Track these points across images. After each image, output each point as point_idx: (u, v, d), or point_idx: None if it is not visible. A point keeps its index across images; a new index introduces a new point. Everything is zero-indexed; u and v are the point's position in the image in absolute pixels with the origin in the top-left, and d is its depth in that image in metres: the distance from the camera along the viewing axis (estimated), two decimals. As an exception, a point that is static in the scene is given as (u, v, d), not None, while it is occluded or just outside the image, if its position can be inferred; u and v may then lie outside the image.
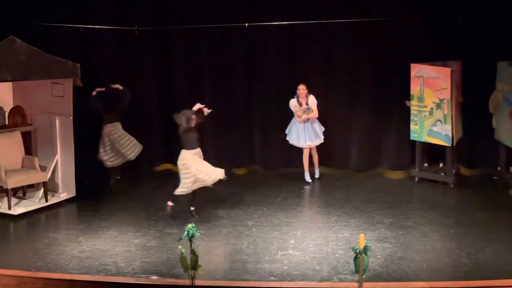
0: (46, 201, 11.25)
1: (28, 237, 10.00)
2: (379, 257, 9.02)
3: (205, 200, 11.45)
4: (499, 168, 12.35)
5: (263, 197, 11.68)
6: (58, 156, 11.53)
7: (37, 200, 11.30)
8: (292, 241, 9.71)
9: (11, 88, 11.93)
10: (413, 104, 12.03)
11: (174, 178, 13.03)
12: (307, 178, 12.44)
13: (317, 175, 12.61)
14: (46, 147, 11.68)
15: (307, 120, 12.14)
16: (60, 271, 8.70)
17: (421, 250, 9.32)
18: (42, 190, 11.30)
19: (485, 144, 12.45)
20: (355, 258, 7.53)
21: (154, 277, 8.53)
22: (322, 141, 12.41)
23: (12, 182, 10.98)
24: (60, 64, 10.89)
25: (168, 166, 13.33)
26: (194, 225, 7.84)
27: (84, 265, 8.90)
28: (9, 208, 10.92)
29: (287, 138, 12.46)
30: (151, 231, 10.14)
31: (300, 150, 12.50)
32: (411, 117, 12.09)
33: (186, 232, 7.79)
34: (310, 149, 12.40)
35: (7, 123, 11.83)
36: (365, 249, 7.48)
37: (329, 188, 12.34)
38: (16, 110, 11.85)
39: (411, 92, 12.01)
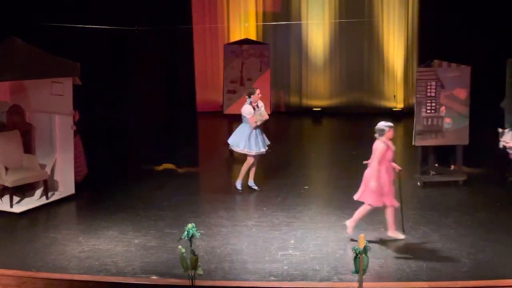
0: (47, 198, 11.30)
1: (28, 237, 10.00)
2: (379, 257, 9.01)
3: (205, 200, 11.47)
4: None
5: (263, 197, 11.67)
6: (57, 154, 11.54)
7: (37, 198, 11.33)
8: (292, 241, 9.71)
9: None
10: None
11: (175, 177, 13.10)
12: (239, 186, 11.95)
13: (255, 186, 11.99)
14: (44, 145, 11.69)
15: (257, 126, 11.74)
16: (60, 271, 8.70)
17: (421, 250, 9.32)
18: (41, 188, 11.34)
19: (486, 143, 12.46)
20: (355, 258, 7.54)
21: (154, 277, 8.53)
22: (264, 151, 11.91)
23: (13, 181, 11.00)
24: (60, 63, 10.91)
25: (168, 165, 13.35)
26: (194, 225, 7.85)
27: (84, 265, 8.90)
28: (11, 206, 10.95)
29: (241, 147, 11.82)
30: (151, 231, 10.13)
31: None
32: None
33: (186, 232, 7.79)
34: (256, 157, 11.86)
35: (5, 122, 11.84)
36: (365, 249, 7.48)
37: (329, 188, 12.34)
38: (15, 109, 11.85)
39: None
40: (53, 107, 11.46)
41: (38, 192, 11.41)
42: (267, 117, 11.89)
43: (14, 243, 9.81)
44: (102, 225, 10.35)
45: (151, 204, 11.41)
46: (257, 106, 11.76)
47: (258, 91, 11.82)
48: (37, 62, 10.65)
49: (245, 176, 12.00)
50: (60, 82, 11.28)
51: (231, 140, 11.96)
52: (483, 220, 10.50)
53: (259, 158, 11.99)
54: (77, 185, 11.71)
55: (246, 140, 11.76)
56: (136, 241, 9.74)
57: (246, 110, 11.73)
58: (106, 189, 12.20)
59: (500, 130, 10.70)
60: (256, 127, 11.72)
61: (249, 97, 11.74)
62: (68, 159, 11.50)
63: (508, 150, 10.58)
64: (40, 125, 11.74)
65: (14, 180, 11.03)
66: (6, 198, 11.10)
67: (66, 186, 11.56)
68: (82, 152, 12.17)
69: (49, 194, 11.35)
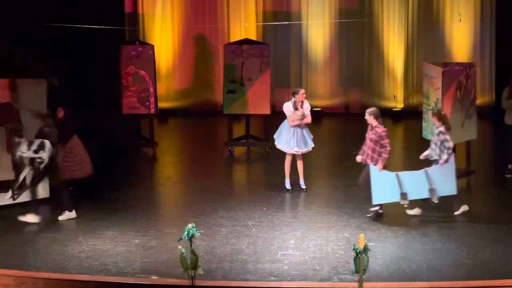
0: (13, 200, 11.14)
1: (28, 237, 10.00)
2: (379, 257, 9.01)
3: (205, 200, 11.47)
4: (510, 166, 12.39)
5: (263, 197, 11.67)
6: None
7: (8, 197, 11.21)
8: (292, 241, 9.70)
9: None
10: (424, 102, 12.13)
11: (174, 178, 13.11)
12: (287, 184, 11.90)
13: (303, 186, 11.89)
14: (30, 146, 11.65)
15: (298, 125, 11.64)
16: (60, 271, 8.69)
17: (421, 250, 9.32)
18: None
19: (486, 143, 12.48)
20: (355, 258, 7.53)
21: (154, 277, 8.53)
22: (310, 149, 11.84)
23: None
24: (33, 63, 10.97)
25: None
26: (194, 225, 7.85)
27: (84, 265, 8.90)
28: None
29: (276, 143, 11.88)
30: (151, 231, 10.13)
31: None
32: (423, 115, 12.23)
33: (186, 232, 7.79)
34: (296, 156, 11.81)
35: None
36: (365, 249, 7.48)
37: (329, 188, 12.34)
38: (6, 106, 11.73)
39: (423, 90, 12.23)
40: (33, 107, 11.44)
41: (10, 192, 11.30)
42: (307, 120, 11.66)
43: (14, 243, 9.81)
44: (102, 225, 10.35)
45: (151, 204, 11.41)
46: (301, 106, 11.69)
47: (301, 91, 11.73)
48: (15, 61, 10.71)
49: (291, 174, 11.91)
50: (40, 83, 11.26)
51: (275, 135, 11.98)
52: (483, 220, 10.50)
53: (301, 156, 11.81)
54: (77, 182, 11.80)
55: (282, 137, 11.78)
56: (136, 241, 9.73)
57: (285, 107, 11.73)
58: (105, 189, 12.20)
59: (16, 139, 10.68)
60: (297, 126, 11.60)
61: (294, 96, 11.71)
62: None
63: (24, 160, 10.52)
64: (27, 124, 11.69)
65: None
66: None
67: (42, 188, 11.41)
68: (84, 152, 12.07)
69: (23, 194, 11.22)
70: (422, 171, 10.38)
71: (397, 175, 10.37)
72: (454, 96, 11.75)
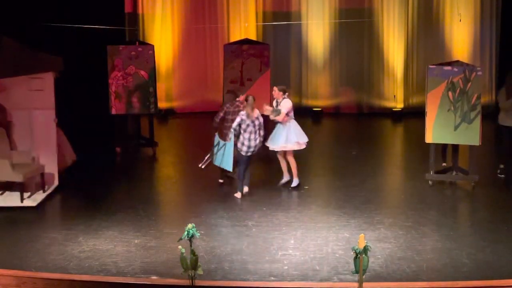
0: (44, 191, 11.41)
1: (28, 237, 10.00)
2: (379, 257, 9.01)
3: (205, 200, 11.47)
4: (502, 166, 12.39)
5: (263, 197, 11.66)
6: (38, 150, 11.54)
7: (32, 191, 11.42)
8: (292, 241, 9.70)
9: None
10: None
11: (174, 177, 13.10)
12: (282, 181, 12.05)
13: (294, 183, 11.90)
14: (24, 142, 11.66)
15: (281, 122, 11.74)
16: (60, 271, 8.69)
17: (421, 250, 9.32)
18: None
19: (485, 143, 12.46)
20: (355, 258, 7.54)
21: (154, 277, 8.53)
22: (295, 147, 11.81)
23: (23, 176, 11.05)
24: (41, 58, 10.97)
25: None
26: (194, 225, 7.85)
27: (84, 265, 8.90)
28: (22, 201, 11.06)
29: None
30: (151, 231, 10.13)
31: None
32: None
33: (186, 232, 7.79)
34: (285, 153, 11.87)
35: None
36: (365, 249, 7.48)
37: (329, 188, 12.34)
38: None
39: None
40: (33, 102, 11.45)
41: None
42: (277, 117, 11.72)
43: (14, 243, 9.81)
44: (102, 225, 10.34)
45: (151, 204, 11.41)
46: (279, 104, 11.78)
47: (273, 88, 11.90)
48: (24, 58, 10.69)
49: (290, 172, 12.02)
50: (39, 77, 11.27)
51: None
52: (483, 220, 10.50)
53: (290, 153, 11.88)
54: (66, 171, 11.83)
55: (271, 134, 12.00)
56: (136, 241, 9.73)
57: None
58: (105, 189, 12.20)
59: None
60: (280, 123, 11.76)
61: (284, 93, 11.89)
62: (51, 153, 11.52)
63: None
64: (18, 122, 11.69)
65: (24, 175, 11.07)
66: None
67: (49, 181, 11.61)
68: (65, 140, 12.15)
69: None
70: (226, 142, 11.48)
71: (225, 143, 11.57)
72: (443, 96, 11.75)
